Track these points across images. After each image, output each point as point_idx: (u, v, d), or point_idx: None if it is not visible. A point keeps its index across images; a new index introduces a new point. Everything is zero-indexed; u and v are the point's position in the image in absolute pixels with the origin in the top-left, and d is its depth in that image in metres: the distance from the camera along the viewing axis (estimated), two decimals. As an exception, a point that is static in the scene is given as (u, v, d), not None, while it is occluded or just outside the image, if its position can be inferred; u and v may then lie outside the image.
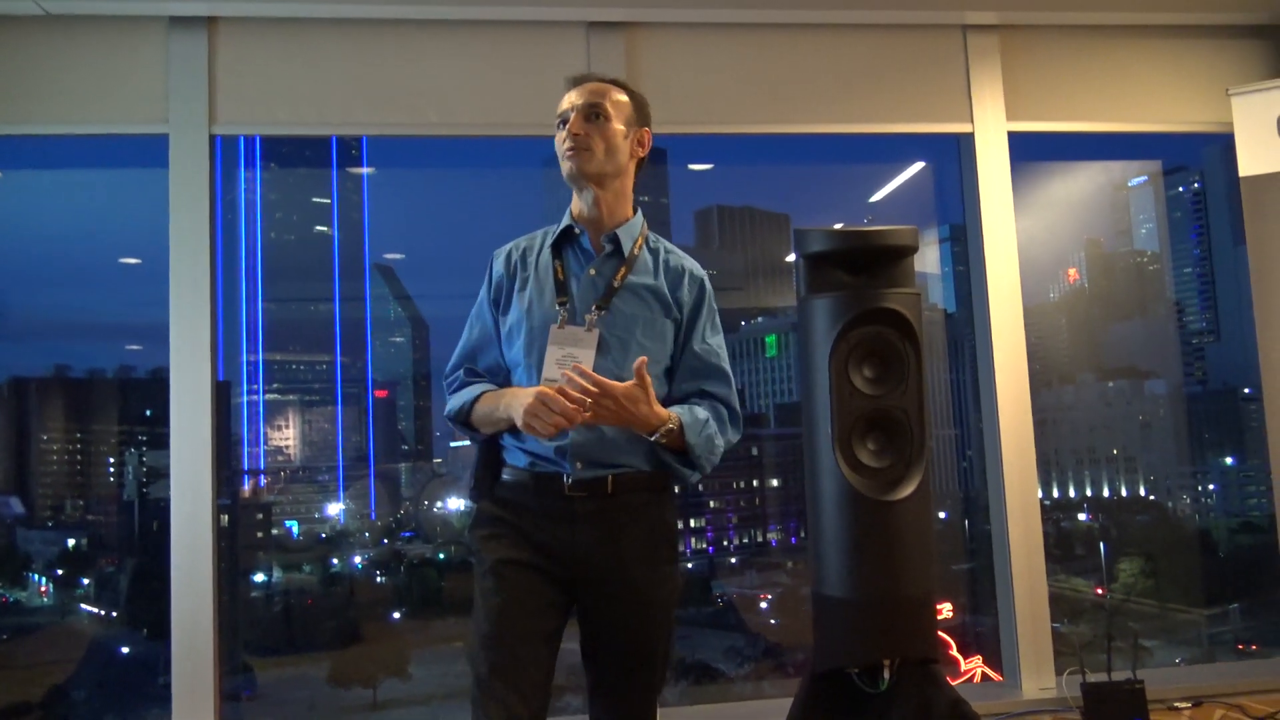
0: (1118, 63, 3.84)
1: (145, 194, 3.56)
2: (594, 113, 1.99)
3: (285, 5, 3.39)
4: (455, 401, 2.05)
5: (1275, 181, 3.30)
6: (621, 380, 1.86)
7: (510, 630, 1.88)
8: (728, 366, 2.11)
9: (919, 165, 4.29)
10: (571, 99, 2.02)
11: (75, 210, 4.37)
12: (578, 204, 2.05)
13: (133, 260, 4.52)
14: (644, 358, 1.82)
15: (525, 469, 1.96)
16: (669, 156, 4.59)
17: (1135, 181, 5.29)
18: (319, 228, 5.40)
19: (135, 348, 4.80)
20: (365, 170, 5.12)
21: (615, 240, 2.02)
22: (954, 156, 3.86)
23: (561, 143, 2.00)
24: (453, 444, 5.55)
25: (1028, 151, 3.84)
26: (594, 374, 1.79)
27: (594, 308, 1.96)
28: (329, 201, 5.32)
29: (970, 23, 3.74)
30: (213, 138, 3.40)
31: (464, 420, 2.03)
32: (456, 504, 5.32)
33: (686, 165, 4.73)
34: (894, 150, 4.29)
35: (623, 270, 2.00)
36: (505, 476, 2.00)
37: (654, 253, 2.08)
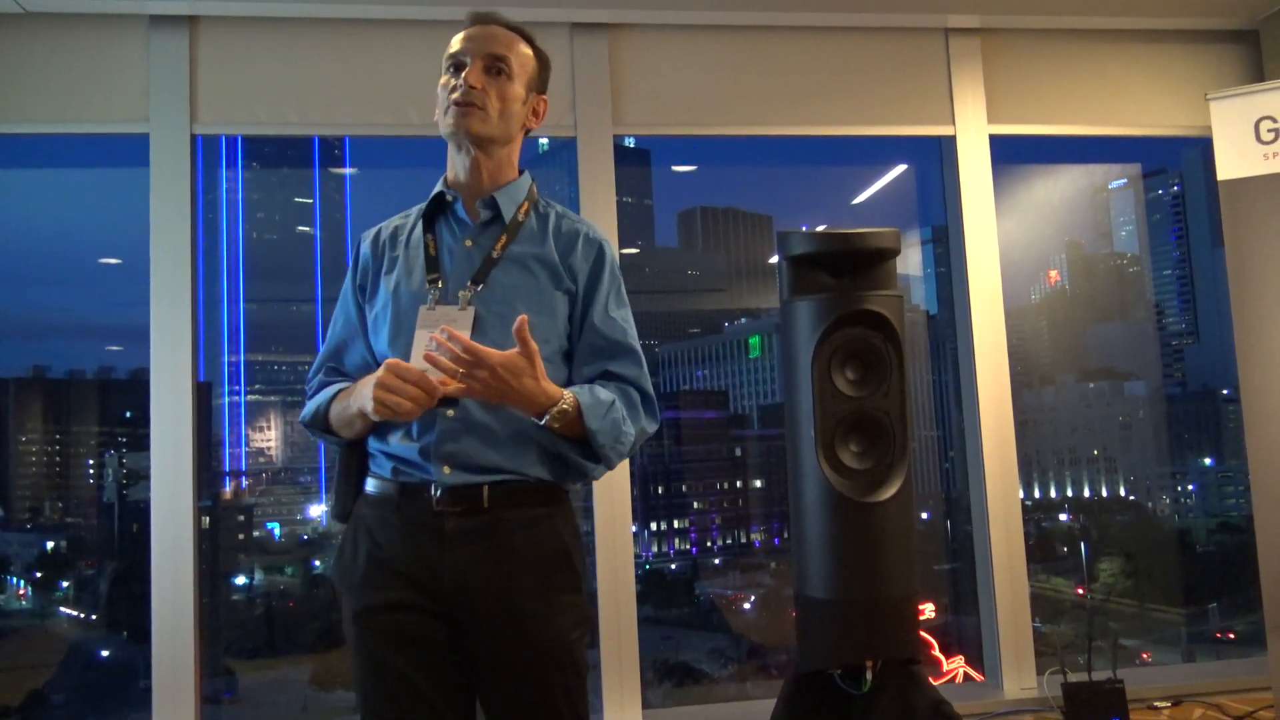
0: (1098, 67, 3.87)
1: (126, 193, 3.54)
2: (496, 67, 1.69)
3: (267, 4, 3.38)
4: (309, 406, 1.75)
5: (1253, 185, 3.33)
6: None
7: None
8: (637, 344, 1.76)
9: (901, 167, 4.31)
10: (471, 43, 1.70)
11: (55, 210, 4.33)
12: (454, 168, 1.75)
13: (113, 260, 4.49)
14: (524, 316, 1.50)
15: (389, 478, 1.65)
16: (652, 158, 4.59)
17: (1115, 184, 5.33)
18: (301, 228, 5.37)
19: (115, 348, 4.77)
20: (348, 170, 5.10)
21: (494, 205, 1.73)
22: (936, 159, 3.88)
23: (448, 90, 1.69)
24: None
25: (1009, 154, 3.86)
26: (466, 338, 1.49)
27: (469, 283, 1.67)
28: (311, 201, 5.29)
29: (952, 26, 3.77)
30: (194, 137, 3.38)
31: (322, 425, 1.72)
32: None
33: (670, 167, 4.74)
34: (877, 152, 4.31)
35: (503, 239, 1.71)
36: (368, 489, 1.69)
37: (543, 217, 1.77)
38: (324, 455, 5.46)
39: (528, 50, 1.76)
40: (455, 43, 1.73)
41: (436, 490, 1.60)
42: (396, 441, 1.65)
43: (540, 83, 1.79)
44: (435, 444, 1.61)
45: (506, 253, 1.71)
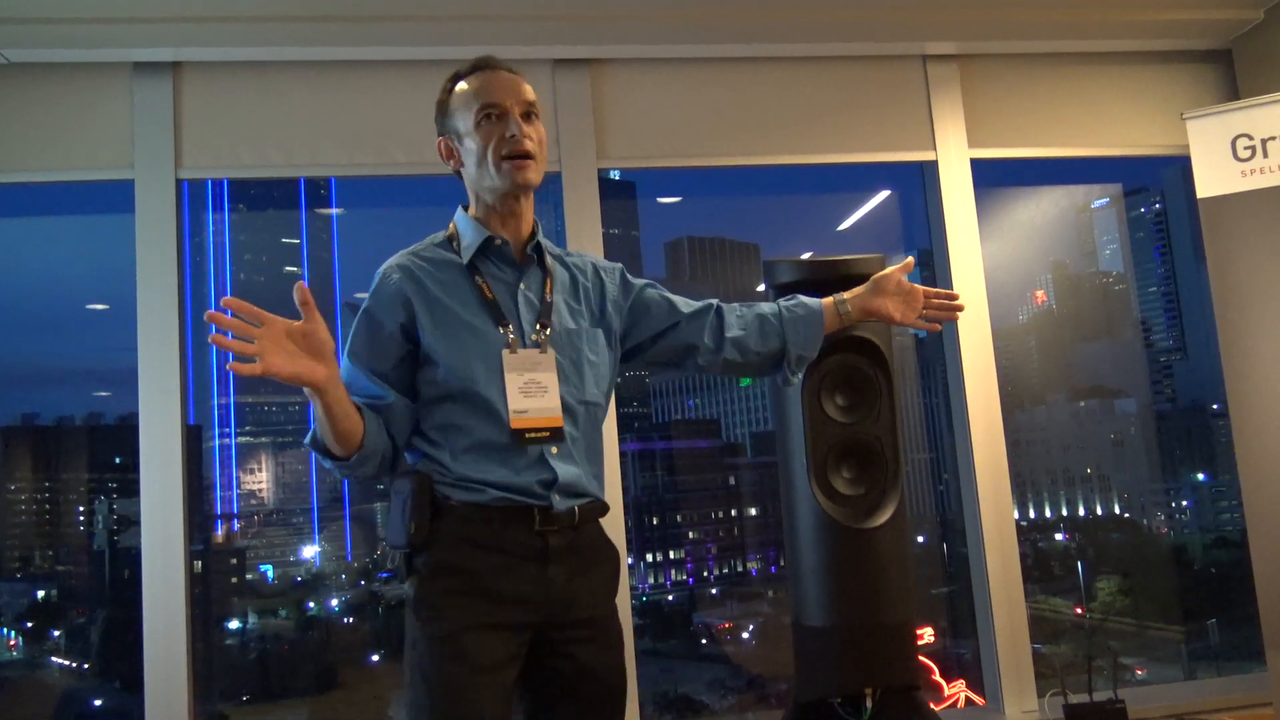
0: (1076, 89, 3.92)
1: (112, 239, 3.54)
2: (532, 114, 1.77)
3: (250, 50, 3.40)
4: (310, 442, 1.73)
5: (1233, 202, 3.36)
6: (585, 403, 1.78)
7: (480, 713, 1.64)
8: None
9: (885, 193, 4.34)
10: (505, 92, 1.75)
11: (42, 257, 4.34)
12: (496, 213, 1.79)
13: (100, 306, 4.48)
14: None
15: (487, 504, 1.71)
16: (637, 190, 4.61)
17: (1098, 204, 5.37)
18: (289, 268, 5.38)
19: (104, 394, 4.75)
20: (334, 211, 5.12)
21: (539, 250, 1.82)
22: (918, 184, 3.91)
23: (497, 145, 1.73)
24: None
25: (991, 177, 3.90)
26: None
27: (538, 326, 1.77)
28: (298, 242, 5.31)
29: (930, 53, 3.81)
30: (179, 182, 3.39)
31: (322, 446, 1.70)
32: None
33: (655, 198, 4.76)
34: (860, 179, 4.34)
35: (549, 283, 1.82)
36: (453, 515, 1.72)
37: (558, 259, 1.90)
38: (316, 496, 5.43)
39: (533, 91, 1.82)
40: (484, 90, 1.76)
41: (540, 515, 1.71)
42: (501, 473, 1.71)
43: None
44: (556, 478, 1.73)
45: (554, 298, 1.82)
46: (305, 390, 1.59)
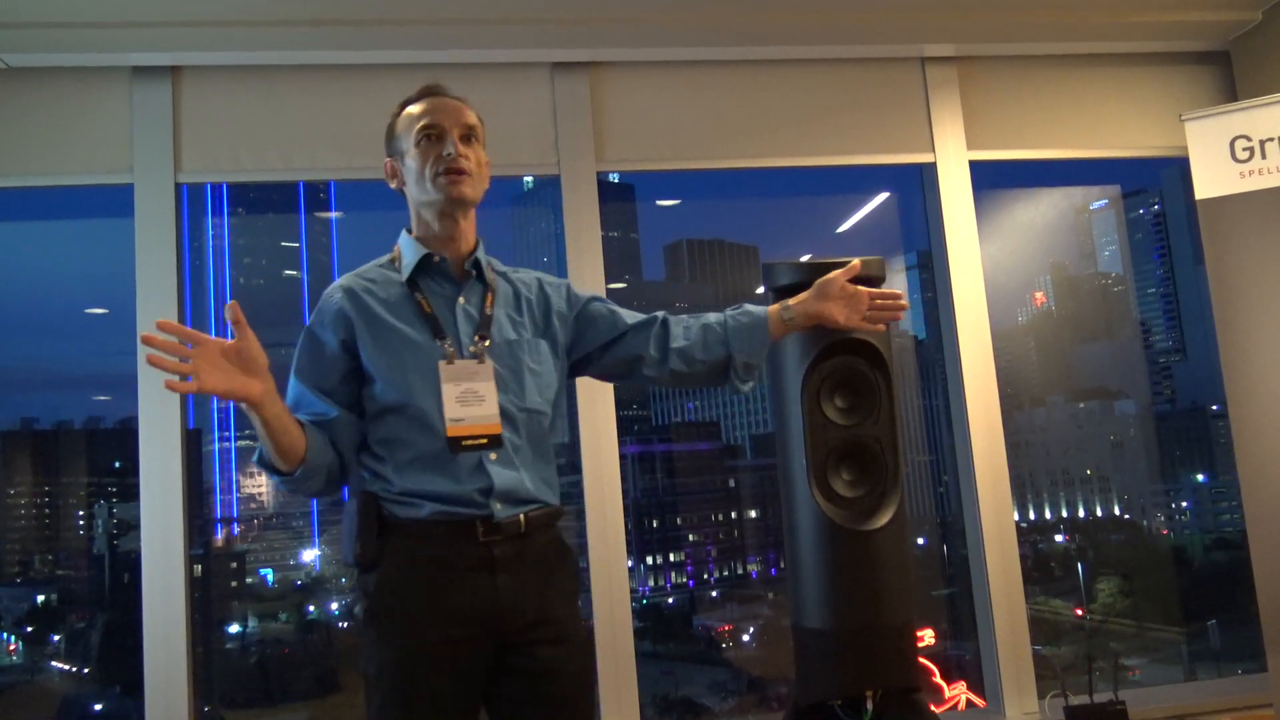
0: (1074, 91, 3.92)
1: (111, 244, 3.54)
2: (470, 135, 1.85)
3: (249, 54, 3.41)
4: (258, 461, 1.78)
5: (1231, 203, 3.36)
6: (527, 410, 1.81)
7: None
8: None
9: (884, 196, 4.35)
10: (443, 114, 1.84)
11: (41, 262, 4.34)
12: (434, 230, 1.85)
13: (100, 310, 4.48)
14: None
15: (426, 518, 1.74)
16: (636, 192, 4.62)
17: (1096, 205, 5.37)
18: (288, 272, 5.38)
19: (103, 398, 4.75)
20: (333, 214, 5.12)
21: (477, 265, 1.87)
22: (917, 186, 3.92)
23: (434, 163, 1.80)
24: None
25: (990, 179, 3.90)
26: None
27: (476, 338, 1.82)
28: (297, 245, 5.30)
29: (928, 55, 3.82)
30: (178, 186, 3.39)
31: (268, 463, 1.74)
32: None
33: (655, 201, 4.76)
34: (859, 182, 4.35)
35: (489, 296, 1.88)
36: (398, 530, 1.76)
37: (502, 275, 1.95)
38: (316, 500, 5.43)
39: (479, 119, 1.90)
40: (425, 113, 1.84)
41: (483, 525, 1.73)
42: (442, 484, 1.74)
43: (485, 143, 1.92)
44: (492, 485, 1.75)
45: (494, 310, 1.87)
46: (242, 406, 1.63)
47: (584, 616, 1.93)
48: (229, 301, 1.61)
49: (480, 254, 1.88)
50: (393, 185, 1.91)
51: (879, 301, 2.03)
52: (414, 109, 1.87)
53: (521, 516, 1.77)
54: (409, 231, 1.91)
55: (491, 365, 1.79)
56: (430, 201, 1.83)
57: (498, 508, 1.75)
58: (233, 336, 1.61)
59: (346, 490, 1.88)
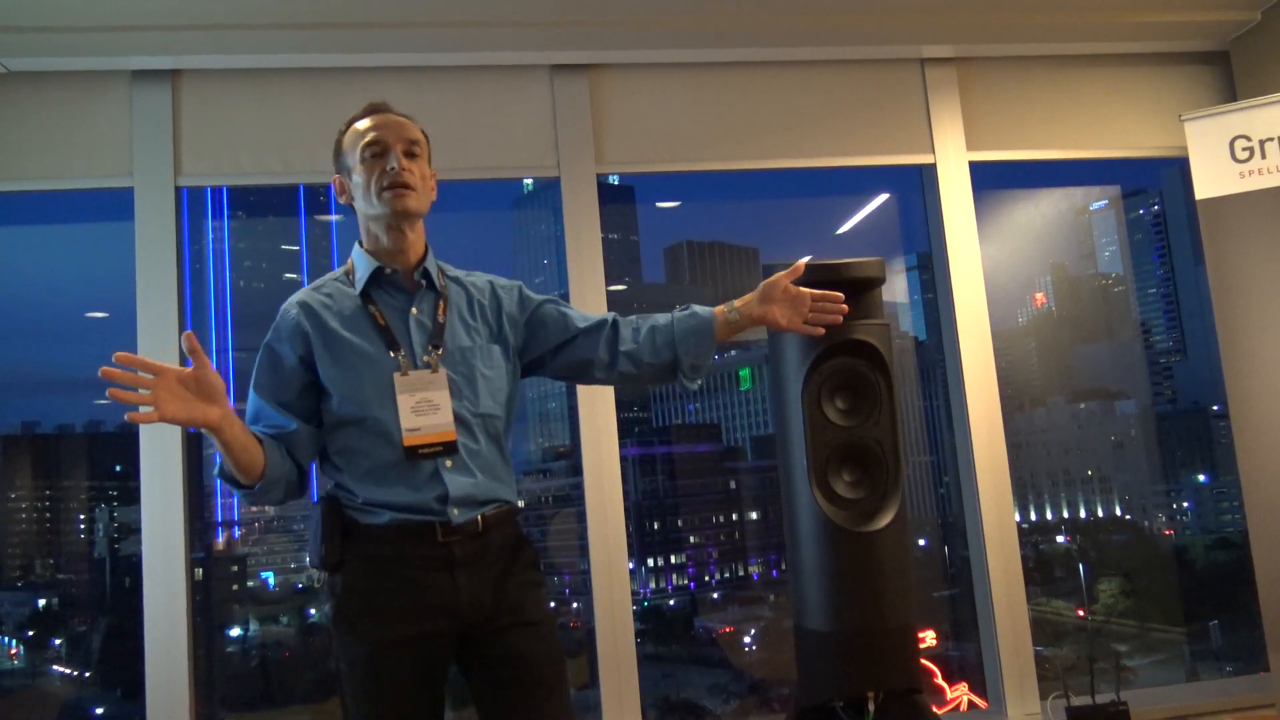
0: (1073, 91, 3.92)
1: (112, 247, 3.54)
2: (412, 151, 1.89)
3: (248, 57, 3.41)
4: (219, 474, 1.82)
5: (1231, 203, 3.36)
6: (481, 415, 1.86)
7: None
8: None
9: (884, 197, 4.35)
10: (386, 131, 1.89)
11: (41, 265, 4.33)
12: (383, 243, 1.90)
13: (100, 314, 4.48)
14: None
15: (387, 524, 1.80)
16: (636, 194, 4.61)
17: (1096, 206, 5.37)
18: (288, 275, 5.38)
19: (104, 402, 4.74)
20: (333, 217, 5.12)
21: (427, 275, 1.92)
22: (917, 187, 3.92)
23: (378, 177, 1.85)
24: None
25: (989, 180, 3.90)
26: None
27: (430, 347, 1.87)
28: (298, 249, 5.31)
29: (927, 56, 3.82)
30: (178, 189, 3.40)
31: (229, 476, 1.79)
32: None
33: (654, 203, 4.76)
34: (859, 183, 4.35)
35: (441, 304, 1.92)
36: (361, 535, 1.82)
37: (454, 280, 1.99)
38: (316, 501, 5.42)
39: (420, 133, 1.94)
40: (367, 131, 1.89)
41: (439, 526, 1.79)
42: (400, 493, 1.80)
43: (432, 158, 1.98)
44: (448, 492, 1.80)
45: (447, 317, 1.91)
46: (203, 430, 1.67)
47: (548, 604, 1.95)
48: (186, 331, 1.67)
49: (429, 262, 1.93)
50: (341, 200, 1.96)
51: (820, 304, 2.03)
52: (359, 126, 1.92)
53: (479, 517, 1.83)
54: (360, 245, 1.96)
55: (445, 374, 1.85)
56: (377, 216, 1.88)
57: (455, 513, 1.81)
58: (191, 365, 1.65)
59: (316, 494, 1.94)
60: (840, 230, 4.56)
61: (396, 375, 1.82)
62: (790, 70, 3.77)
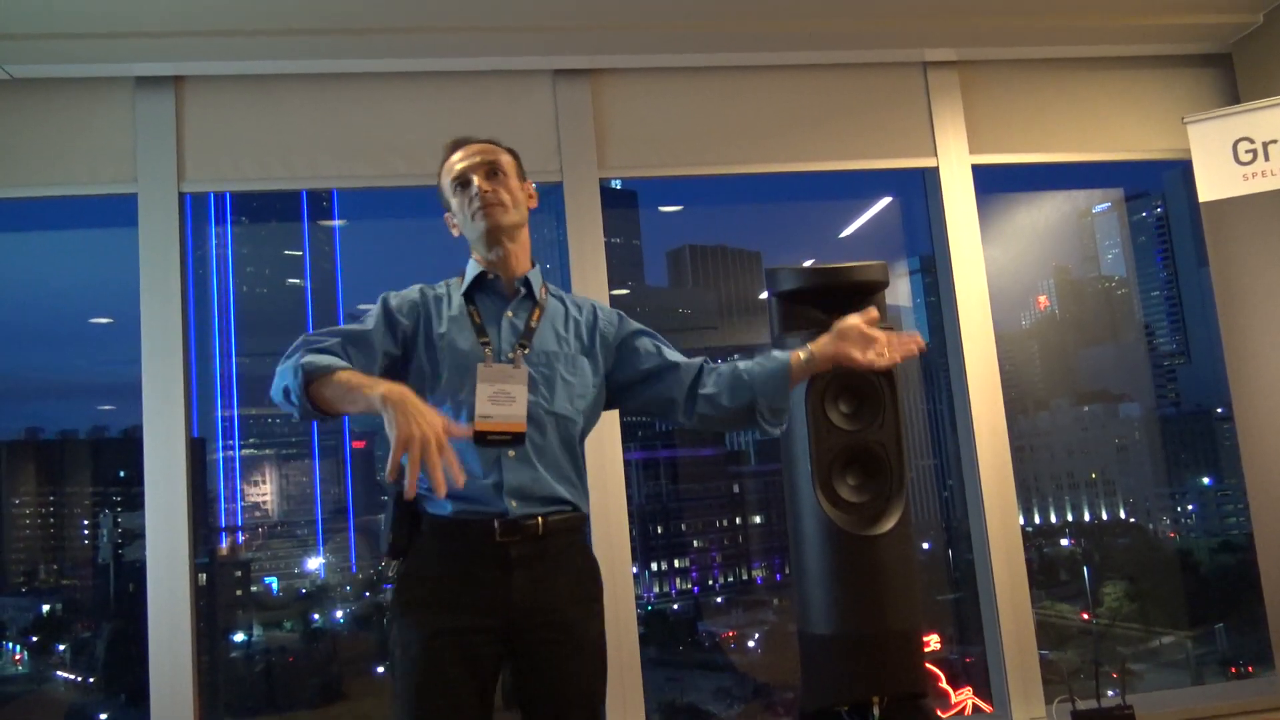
0: (1076, 94, 3.92)
1: (115, 253, 3.55)
2: (494, 170, 2.01)
3: (251, 63, 3.41)
4: (320, 359, 1.75)
5: (1234, 206, 3.36)
6: (554, 415, 1.92)
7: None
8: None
9: (886, 200, 4.35)
10: (468, 162, 2.02)
11: (45, 271, 4.35)
12: (486, 257, 2.03)
13: (104, 320, 4.49)
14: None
15: (450, 516, 1.87)
16: (639, 199, 4.62)
17: (1099, 208, 5.37)
18: (291, 280, 5.39)
19: (108, 407, 4.75)
20: (336, 222, 5.13)
21: (528, 284, 2.05)
22: (920, 190, 3.92)
23: (468, 204, 1.99)
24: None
25: (992, 183, 3.90)
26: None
27: (517, 346, 1.98)
28: (301, 254, 5.32)
29: (930, 60, 3.82)
30: (182, 195, 3.40)
31: (307, 381, 1.72)
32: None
33: (657, 207, 4.77)
34: (862, 186, 4.35)
35: (537, 312, 2.04)
36: (427, 524, 1.90)
37: (557, 298, 2.11)
38: (320, 508, 5.43)
39: (504, 153, 2.07)
40: (452, 168, 2.03)
41: (499, 524, 1.85)
42: (467, 476, 1.80)
43: (522, 171, 2.10)
44: (503, 480, 1.87)
45: (540, 324, 2.02)
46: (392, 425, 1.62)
47: (602, 625, 2.00)
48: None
49: (533, 275, 2.06)
50: (455, 234, 2.09)
51: (897, 342, 2.04)
52: (446, 164, 2.06)
53: (540, 519, 1.88)
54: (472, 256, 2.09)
55: (525, 370, 1.93)
56: (477, 237, 2.01)
57: (513, 505, 1.86)
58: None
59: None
60: (843, 234, 4.56)
61: (480, 365, 1.91)
62: (792, 74, 3.77)
